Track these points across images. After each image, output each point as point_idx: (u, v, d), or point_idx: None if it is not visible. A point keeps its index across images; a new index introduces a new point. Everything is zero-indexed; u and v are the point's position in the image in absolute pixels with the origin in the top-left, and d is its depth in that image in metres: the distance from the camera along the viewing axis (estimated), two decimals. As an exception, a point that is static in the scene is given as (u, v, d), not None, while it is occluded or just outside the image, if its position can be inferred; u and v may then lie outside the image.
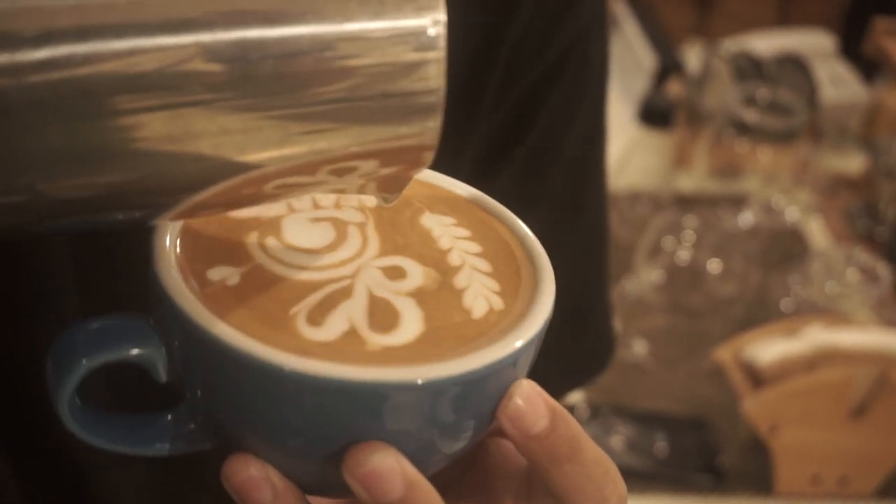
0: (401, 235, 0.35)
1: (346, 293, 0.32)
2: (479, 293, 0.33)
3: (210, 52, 0.26)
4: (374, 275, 0.33)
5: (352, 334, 0.31)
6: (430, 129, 0.29)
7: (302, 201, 0.35)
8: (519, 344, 0.31)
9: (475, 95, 0.50)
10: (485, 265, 0.34)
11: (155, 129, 0.26)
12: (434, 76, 0.28)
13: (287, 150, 0.28)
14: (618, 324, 1.20)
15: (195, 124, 0.27)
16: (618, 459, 1.04)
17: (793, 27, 1.76)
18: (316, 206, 0.35)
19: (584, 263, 0.60)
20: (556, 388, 0.63)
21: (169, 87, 0.26)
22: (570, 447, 0.32)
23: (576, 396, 1.12)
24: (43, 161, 0.26)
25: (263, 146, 0.28)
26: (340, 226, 0.34)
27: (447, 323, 0.32)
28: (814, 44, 1.64)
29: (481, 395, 0.31)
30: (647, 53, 1.56)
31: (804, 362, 1.02)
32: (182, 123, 0.27)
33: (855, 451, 1.04)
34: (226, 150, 0.27)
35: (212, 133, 0.27)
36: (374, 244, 0.34)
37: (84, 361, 0.31)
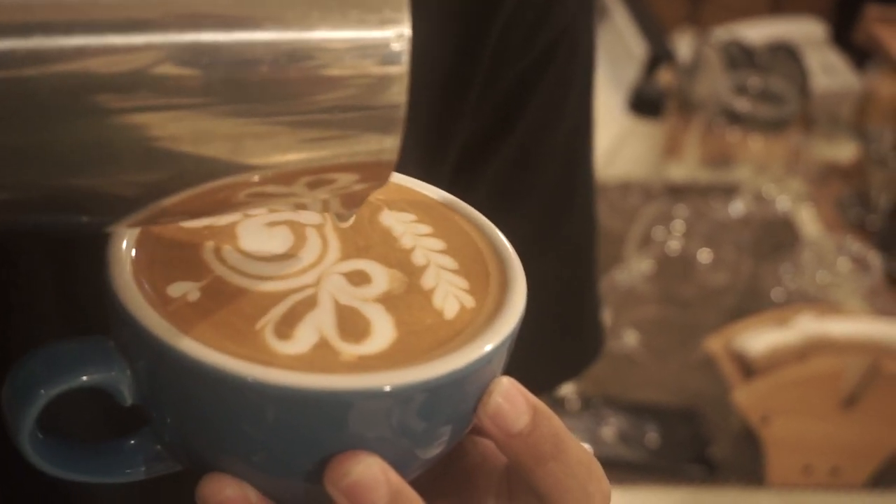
0: (361, 237, 0.34)
1: (310, 303, 0.31)
2: (449, 292, 0.32)
3: (162, 54, 0.25)
4: (338, 282, 0.32)
5: (324, 346, 0.30)
6: (389, 145, 0.28)
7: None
8: (491, 346, 0.30)
9: (460, 90, 0.50)
10: (450, 262, 0.33)
11: (101, 131, 0.26)
12: (396, 92, 0.27)
13: (239, 160, 0.27)
14: (608, 315, 1.19)
15: (148, 129, 0.26)
16: (609, 451, 1.05)
17: (784, 15, 1.75)
18: (271, 209, 0.34)
19: (573, 256, 0.60)
20: (546, 382, 0.63)
21: (117, 88, 0.25)
22: (553, 444, 0.32)
23: (566, 388, 1.12)
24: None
25: (215, 153, 0.27)
26: (298, 229, 0.33)
27: (420, 327, 0.31)
28: (805, 32, 1.64)
29: (457, 397, 0.31)
30: (638, 42, 1.56)
31: (795, 352, 1.02)
32: (132, 127, 0.26)
33: (846, 441, 1.04)
34: (176, 156, 0.26)
35: (160, 138, 0.26)
36: (334, 248, 0.33)
37: (42, 391, 0.30)
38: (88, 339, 0.31)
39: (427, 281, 0.32)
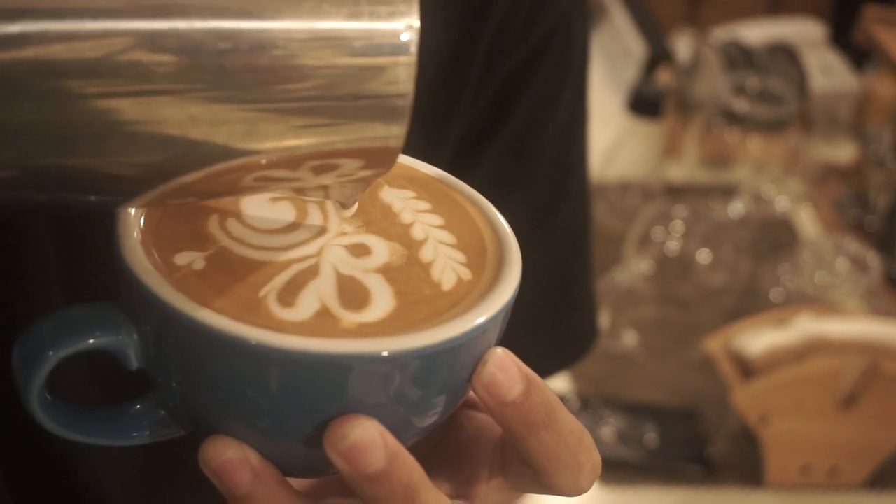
0: (362, 211, 0.35)
1: (312, 273, 0.32)
2: (447, 265, 0.33)
3: (181, 40, 0.26)
4: (339, 253, 0.33)
5: (325, 313, 0.31)
6: (395, 132, 0.29)
7: None
8: (486, 316, 0.31)
9: (458, 82, 0.51)
10: (448, 237, 0.34)
11: (119, 113, 0.26)
12: (403, 80, 0.28)
13: (252, 145, 0.28)
14: (607, 315, 1.19)
15: (161, 111, 0.27)
16: (608, 451, 1.05)
17: (783, 16, 1.76)
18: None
19: (567, 246, 0.60)
20: (541, 371, 0.63)
21: (135, 74, 0.26)
22: (546, 414, 0.33)
23: (566, 387, 1.12)
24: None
25: (229, 138, 0.28)
26: (300, 203, 0.34)
27: (418, 297, 0.32)
28: (804, 33, 1.64)
29: (453, 366, 0.32)
30: (637, 42, 1.56)
31: (794, 352, 1.02)
32: (148, 110, 0.27)
33: (845, 441, 1.04)
34: (192, 140, 0.27)
35: (179, 122, 0.27)
36: (335, 222, 0.34)
37: (51, 353, 0.31)
38: (97, 304, 0.32)
39: (426, 254, 0.33)
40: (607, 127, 1.44)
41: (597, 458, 0.34)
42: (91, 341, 0.31)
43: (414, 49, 0.28)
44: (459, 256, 0.34)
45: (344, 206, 0.34)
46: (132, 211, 0.33)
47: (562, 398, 1.10)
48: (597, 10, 1.77)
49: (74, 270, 0.44)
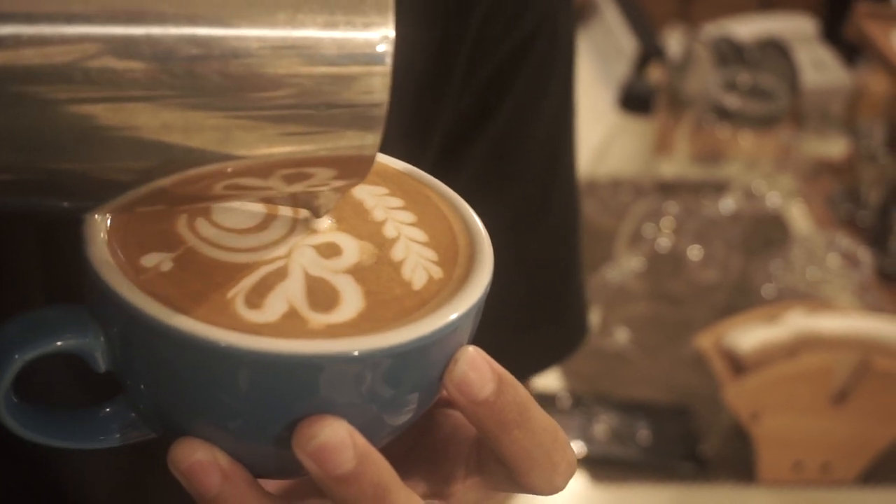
0: (334, 209, 0.34)
1: (281, 274, 0.32)
2: (418, 264, 0.33)
3: (154, 46, 0.26)
4: (309, 254, 0.32)
5: (292, 315, 0.30)
6: (370, 141, 0.29)
7: None
8: (456, 314, 0.31)
9: (441, 84, 0.50)
10: (420, 235, 0.34)
11: (92, 119, 0.26)
12: (378, 90, 0.28)
13: (226, 152, 0.28)
14: (599, 312, 1.19)
15: (134, 118, 0.27)
16: (601, 448, 1.05)
17: (774, 12, 1.75)
18: None
19: (556, 243, 0.60)
20: (531, 367, 0.64)
21: (107, 80, 0.26)
22: (518, 413, 0.32)
23: (558, 385, 1.12)
24: None
25: (203, 146, 0.28)
26: (270, 203, 0.34)
27: (388, 297, 0.32)
28: (795, 28, 1.64)
29: (424, 364, 0.31)
30: (628, 39, 1.56)
31: (786, 349, 1.02)
32: (120, 116, 0.27)
33: (837, 437, 1.04)
34: (165, 147, 0.27)
35: (152, 128, 0.27)
36: (305, 221, 0.34)
37: (17, 356, 0.31)
38: (65, 306, 0.32)
39: (397, 253, 0.33)
40: (599, 124, 1.44)
41: (571, 457, 0.34)
42: (58, 344, 0.31)
43: (389, 60, 0.28)
44: (431, 255, 0.33)
45: (316, 214, 0.34)
46: (100, 212, 0.32)
47: (554, 396, 1.10)
48: (588, 7, 1.76)
49: (56, 272, 0.44)
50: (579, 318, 0.64)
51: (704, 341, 1.08)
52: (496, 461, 0.34)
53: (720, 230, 1.28)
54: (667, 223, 1.26)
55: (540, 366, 0.64)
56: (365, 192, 0.35)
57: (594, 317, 1.19)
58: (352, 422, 0.30)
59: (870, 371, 1.00)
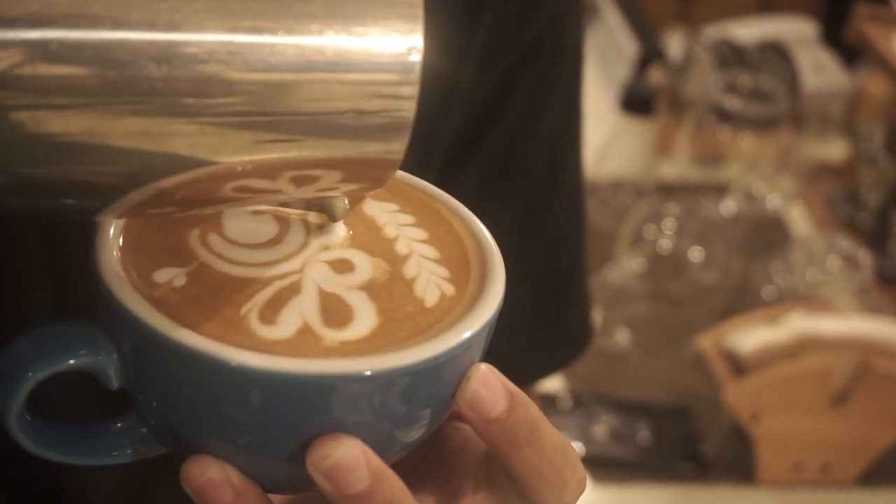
0: (346, 225, 0.34)
1: (294, 290, 0.31)
2: (430, 281, 0.33)
3: (190, 52, 0.27)
4: (322, 269, 0.32)
5: (306, 331, 0.30)
6: (395, 148, 0.30)
7: None
8: (469, 333, 0.31)
9: (450, 89, 0.50)
10: (432, 252, 0.34)
11: (100, 125, 0.27)
12: (407, 99, 0.29)
13: (255, 157, 0.29)
14: (600, 313, 1.19)
15: (169, 125, 0.27)
16: (601, 449, 1.05)
17: (774, 14, 1.76)
18: None
19: (559, 248, 0.60)
20: (535, 372, 0.63)
21: (133, 85, 0.26)
22: (530, 431, 0.32)
23: (558, 386, 1.12)
24: None
25: (235, 151, 0.28)
26: (283, 218, 0.34)
27: (401, 314, 0.31)
28: (795, 31, 1.64)
29: (437, 382, 0.31)
30: (629, 41, 1.56)
31: (786, 350, 1.02)
32: (148, 122, 0.27)
33: (837, 438, 1.04)
34: (198, 151, 0.28)
35: (184, 134, 0.27)
36: (318, 236, 0.34)
37: (31, 374, 0.30)
38: (76, 322, 0.32)
39: (409, 270, 0.33)
40: (599, 125, 1.44)
41: (581, 474, 0.34)
42: (71, 362, 0.31)
43: (418, 69, 0.29)
44: (443, 272, 0.33)
45: (333, 218, 0.34)
46: (111, 224, 0.32)
47: (554, 396, 1.10)
48: (589, 9, 1.76)
49: (63, 283, 0.43)
50: (583, 322, 0.63)
51: (705, 342, 1.08)
52: (506, 477, 0.34)
53: (721, 232, 1.28)
54: (667, 224, 1.26)
55: (545, 370, 0.64)
56: (377, 209, 0.35)
57: (595, 317, 1.19)
58: (364, 440, 0.30)
59: (870, 372, 1.00)
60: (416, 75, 0.29)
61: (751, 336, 1.04)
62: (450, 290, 0.33)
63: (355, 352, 0.30)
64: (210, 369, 0.29)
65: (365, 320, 0.31)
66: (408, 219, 0.35)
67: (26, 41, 0.26)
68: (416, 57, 0.29)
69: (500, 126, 0.53)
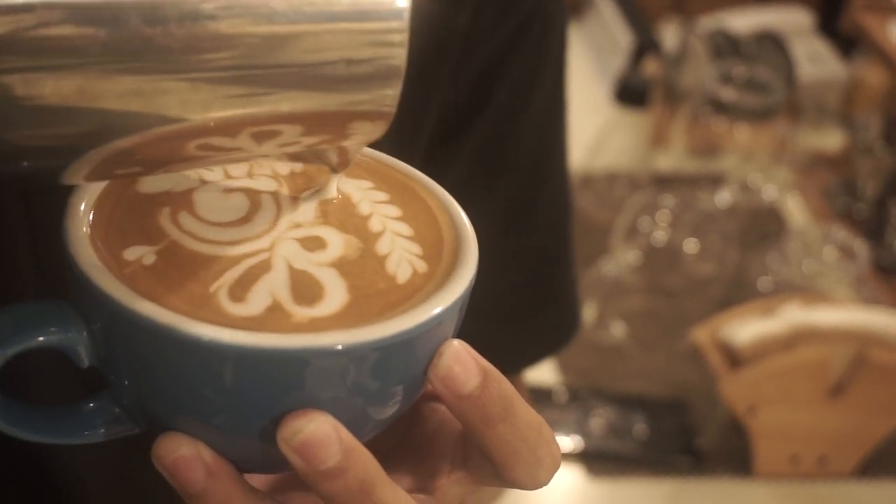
0: (319, 202, 0.34)
1: (264, 267, 0.31)
2: (403, 258, 0.33)
3: (179, 9, 0.27)
4: (292, 247, 0.32)
5: (276, 308, 0.30)
6: (389, 96, 0.30)
7: (214, 172, 0.35)
8: (440, 308, 0.31)
9: (432, 73, 0.50)
10: (406, 229, 0.34)
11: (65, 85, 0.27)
12: (398, 45, 0.29)
13: (247, 111, 0.29)
14: (595, 306, 1.19)
15: (161, 83, 0.27)
16: (597, 442, 1.05)
17: (770, 4, 1.75)
18: (228, 176, 0.35)
19: (548, 232, 0.60)
20: (522, 360, 0.63)
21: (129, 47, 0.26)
22: (503, 407, 0.32)
23: (554, 379, 1.12)
24: None
25: (227, 106, 0.28)
26: (254, 196, 0.34)
27: (372, 290, 0.31)
28: (791, 21, 1.63)
29: (408, 358, 0.31)
30: (624, 32, 1.55)
31: (782, 342, 1.02)
32: (140, 80, 0.27)
33: (833, 430, 1.04)
34: (189, 108, 0.28)
35: (176, 91, 0.27)
36: (289, 214, 0.33)
37: (6, 346, 0.30)
38: (49, 301, 0.32)
39: (382, 247, 0.33)
40: (594, 117, 1.43)
41: (556, 451, 0.34)
42: (40, 339, 0.31)
43: (408, 15, 0.29)
44: (416, 249, 0.33)
45: (335, 170, 0.34)
46: (81, 202, 0.32)
47: (550, 390, 1.10)
48: (584, 1, 1.76)
49: (46, 257, 0.43)
50: (572, 309, 0.64)
51: (701, 335, 1.08)
52: (481, 456, 0.34)
53: (716, 223, 1.27)
54: (663, 216, 1.25)
55: (533, 358, 0.64)
56: (350, 186, 0.35)
57: (590, 310, 1.19)
58: (337, 416, 0.30)
59: (866, 364, 1.00)
60: (405, 22, 0.29)
61: (747, 328, 1.03)
62: (422, 266, 0.33)
63: (326, 328, 0.30)
64: (179, 345, 0.29)
65: (335, 297, 0.31)
66: (382, 196, 0.35)
67: (14, 5, 0.26)
68: (405, 3, 0.29)
69: (485, 114, 0.54)
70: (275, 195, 0.34)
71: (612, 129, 1.40)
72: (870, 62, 1.53)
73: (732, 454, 1.06)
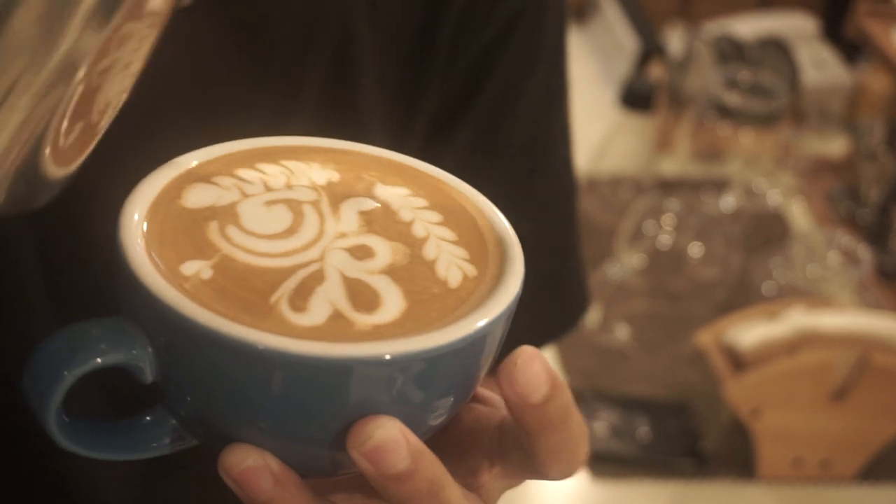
0: (362, 211, 0.35)
1: (318, 277, 0.32)
2: (451, 262, 0.33)
3: None
4: (342, 256, 0.33)
5: (338, 317, 0.31)
6: None
7: (254, 185, 0.35)
8: (498, 311, 0.31)
9: (425, 59, 0.50)
10: (449, 233, 0.34)
11: None
12: None
13: None
14: (599, 309, 1.19)
15: None
16: (601, 445, 1.05)
17: (775, 10, 1.76)
18: (268, 188, 0.35)
19: (549, 216, 0.60)
20: (533, 341, 0.63)
21: None
22: (562, 417, 0.33)
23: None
24: None
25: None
26: (296, 206, 0.34)
27: (427, 296, 0.32)
28: (796, 27, 1.64)
29: (470, 360, 0.32)
30: (629, 37, 1.56)
31: (785, 345, 1.02)
32: None
33: (836, 433, 1.04)
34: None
35: None
36: (333, 223, 0.34)
37: (66, 372, 0.30)
38: (106, 319, 0.32)
39: (429, 252, 0.33)
40: (599, 121, 1.44)
41: (587, 448, 0.35)
42: (107, 358, 0.31)
43: None
44: (462, 252, 0.34)
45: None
46: (133, 219, 0.32)
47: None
48: (589, 5, 1.77)
49: (56, 278, 0.43)
50: (579, 291, 0.63)
51: (704, 338, 1.08)
52: (519, 451, 0.34)
53: (720, 227, 1.28)
54: (667, 220, 1.26)
55: (541, 340, 0.63)
56: (389, 193, 0.35)
57: (594, 313, 1.19)
58: (403, 419, 0.31)
59: (869, 368, 1.00)
60: None
61: (750, 332, 1.04)
62: (471, 270, 0.33)
63: (389, 335, 0.30)
64: (251, 357, 0.29)
65: (393, 303, 0.31)
66: (421, 202, 0.35)
67: None
68: None
69: (481, 99, 0.53)
70: (315, 205, 0.34)
71: (617, 133, 1.41)
72: (874, 68, 1.54)
73: (735, 457, 1.06)
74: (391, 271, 0.32)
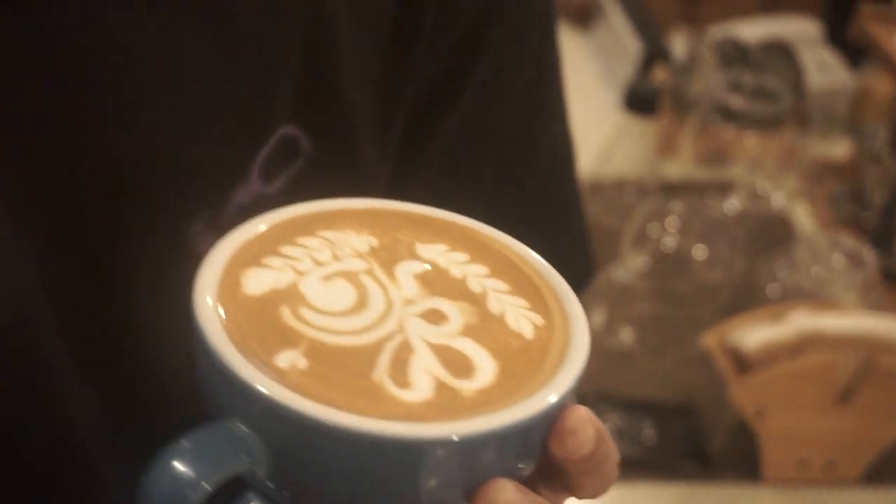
0: (418, 275, 0.34)
1: (406, 349, 0.31)
2: (517, 314, 0.33)
3: None
4: (418, 323, 0.32)
5: (443, 388, 0.30)
6: None
7: (302, 262, 0.34)
8: (585, 355, 0.32)
9: (410, 39, 0.49)
10: (502, 285, 0.34)
11: None
12: None
13: None
14: (603, 311, 1.20)
15: None
16: (605, 447, 1.05)
17: (779, 14, 1.76)
18: (317, 262, 0.34)
19: (548, 187, 0.59)
20: None
21: None
22: (602, 463, 0.34)
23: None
24: None
25: None
26: (353, 278, 0.33)
27: (511, 352, 0.32)
28: (799, 30, 1.64)
29: (559, 413, 0.32)
30: (633, 40, 1.56)
31: (790, 347, 1.02)
32: None
33: (841, 435, 1.04)
34: None
35: None
36: (395, 291, 0.33)
37: (203, 483, 0.29)
38: (218, 427, 0.30)
39: (493, 307, 0.33)
40: (603, 124, 1.44)
41: (617, 470, 0.36)
42: (232, 469, 0.30)
43: None
44: (521, 302, 0.34)
45: None
46: (209, 317, 0.31)
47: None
48: (593, 8, 1.77)
49: (81, 348, 0.42)
50: (585, 258, 0.62)
51: (709, 340, 1.08)
52: (554, 477, 0.35)
53: (725, 230, 1.28)
54: (671, 223, 1.26)
55: None
56: (431, 252, 0.35)
57: (599, 316, 1.19)
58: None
59: (874, 369, 1.00)
60: None
61: (755, 334, 1.04)
62: (537, 319, 0.33)
63: (497, 399, 0.30)
64: (381, 447, 0.29)
65: (485, 365, 0.31)
66: (462, 256, 0.35)
67: None
68: None
69: (473, 78, 0.52)
70: (371, 274, 0.33)
71: (621, 136, 1.41)
72: (877, 71, 1.54)
73: (740, 459, 1.06)
74: (469, 332, 0.32)
